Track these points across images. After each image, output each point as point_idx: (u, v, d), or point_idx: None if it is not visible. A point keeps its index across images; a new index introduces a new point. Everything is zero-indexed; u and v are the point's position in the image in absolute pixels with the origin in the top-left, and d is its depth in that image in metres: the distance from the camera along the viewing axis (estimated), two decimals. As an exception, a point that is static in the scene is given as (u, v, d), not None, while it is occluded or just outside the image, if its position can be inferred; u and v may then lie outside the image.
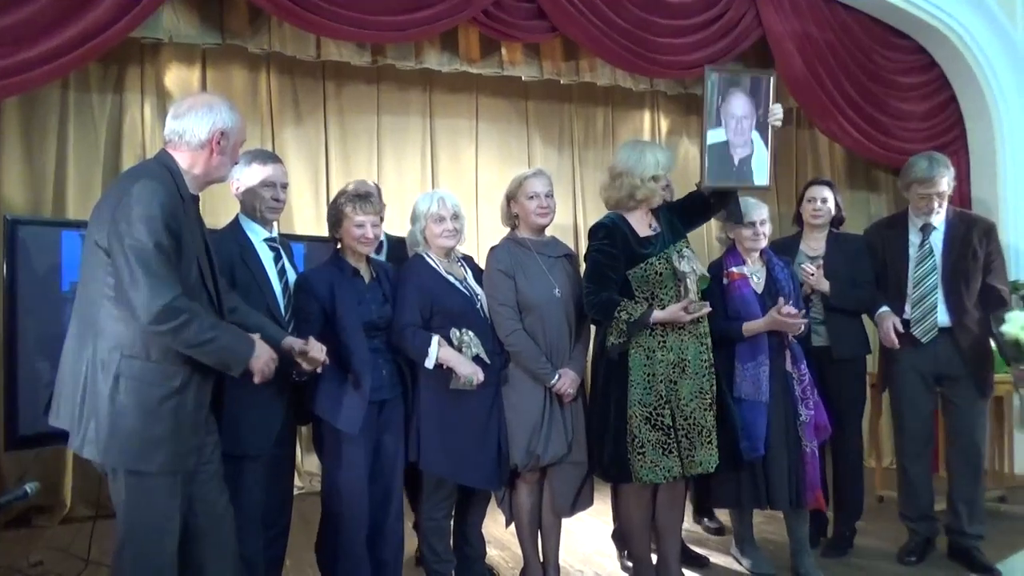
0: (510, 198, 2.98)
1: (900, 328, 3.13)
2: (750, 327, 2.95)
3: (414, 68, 4.40)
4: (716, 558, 3.38)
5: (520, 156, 5.14)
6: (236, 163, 2.19)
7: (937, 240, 3.18)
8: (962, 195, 5.04)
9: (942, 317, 3.12)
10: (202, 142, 2.04)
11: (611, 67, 4.69)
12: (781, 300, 2.93)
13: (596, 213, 4.68)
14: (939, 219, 3.19)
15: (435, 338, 2.72)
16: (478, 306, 2.84)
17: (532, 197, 2.93)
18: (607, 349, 2.76)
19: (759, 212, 3.10)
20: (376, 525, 2.69)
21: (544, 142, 5.24)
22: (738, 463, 2.83)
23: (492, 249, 2.98)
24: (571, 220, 5.25)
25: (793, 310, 2.90)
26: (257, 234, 2.65)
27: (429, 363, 2.69)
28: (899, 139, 5.03)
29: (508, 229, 3.02)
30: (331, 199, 3.10)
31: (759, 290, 3.05)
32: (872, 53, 4.97)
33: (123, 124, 4.29)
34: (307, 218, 4.60)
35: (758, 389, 2.91)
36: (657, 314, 2.70)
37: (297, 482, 4.07)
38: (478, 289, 2.87)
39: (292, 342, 2.37)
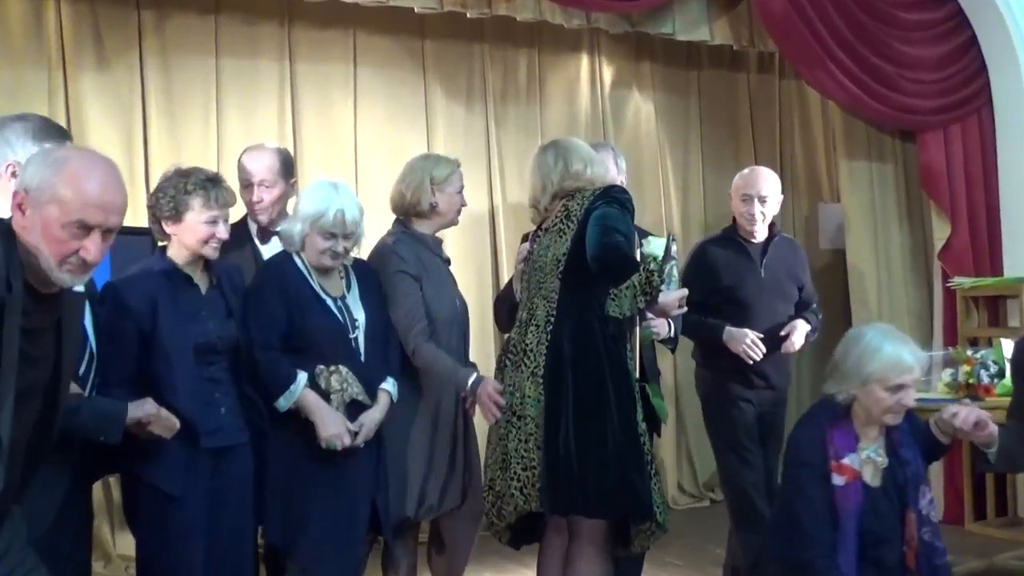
0: (436, 183, 3.16)
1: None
2: None
3: (266, -10, 4.26)
4: None
5: (415, 115, 5.12)
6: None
7: None
8: (986, 164, 5.21)
9: None
10: None
11: (534, -4, 4.77)
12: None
13: (519, 193, 4.85)
14: None
15: (302, 376, 2.79)
16: (352, 336, 2.91)
17: (462, 191, 3.19)
18: (605, 322, 2.89)
19: (909, 367, 2.73)
20: None
21: (448, 95, 5.23)
22: None
23: (388, 245, 3.11)
24: (486, 204, 5.25)
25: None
26: None
27: (283, 405, 2.78)
28: (906, 93, 5.17)
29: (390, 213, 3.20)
30: (155, 178, 3.09)
31: (874, 482, 2.76)
32: (867, -21, 5.10)
33: None
34: None
35: None
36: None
37: (103, 572, 4.08)
38: (360, 315, 2.95)
39: (138, 412, 2.45)
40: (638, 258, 2.88)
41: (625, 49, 5.58)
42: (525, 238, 3.22)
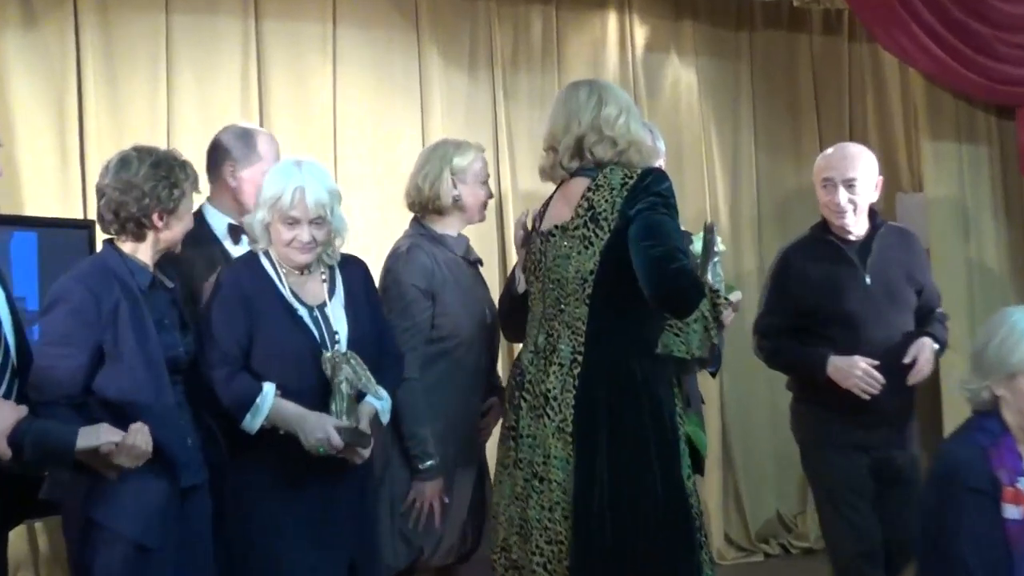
0: (456, 174, 3.18)
1: None
2: None
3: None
4: None
5: (406, 85, 4.91)
6: None
7: None
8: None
9: None
10: None
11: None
12: None
13: (532, 179, 4.52)
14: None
15: (269, 387, 2.71)
16: (326, 356, 2.77)
17: (487, 181, 3.24)
18: (659, 363, 2.76)
19: None
20: None
21: (446, 61, 5.00)
22: None
23: (399, 252, 3.14)
24: (493, 187, 4.94)
25: None
26: None
27: (251, 424, 2.69)
28: (1003, 60, 4.96)
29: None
30: (92, 158, 3.29)
31: None
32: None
33: None
34: (44, 187, 4.28)
35: None
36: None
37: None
38: (342, 327, 2.84)
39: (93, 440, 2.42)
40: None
41: (661, 5, 5.37)
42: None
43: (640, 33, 5.33)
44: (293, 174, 2.80)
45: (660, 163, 3.19)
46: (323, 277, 2.88)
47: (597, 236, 2.69)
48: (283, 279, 2.82)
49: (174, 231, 2.71)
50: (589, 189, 2.72)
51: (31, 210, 4.10)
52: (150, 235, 2.67)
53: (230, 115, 4.46)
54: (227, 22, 4.57)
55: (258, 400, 2.69)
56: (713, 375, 3.47)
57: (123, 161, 2.68)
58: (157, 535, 2.56)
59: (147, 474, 2.52)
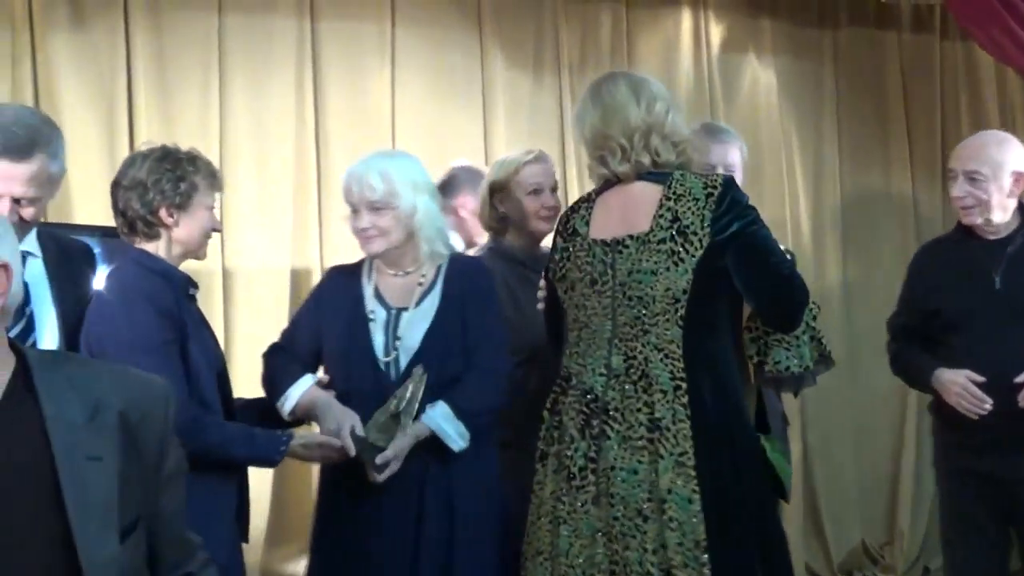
0: (496, 190, 3.17)
1: None
2: None
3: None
4: None
5: (467, 88, 4.85)
6: None
7: None
8: None
9: None
10: None
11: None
12: None
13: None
14: None
15: (309, 376, 2.76)
16: (386, 359, 2.76)
17: (535, 192, 3.14)
18: (771, 380, 2.81)
19: None
20: None
21: (509, 63, 4.93)
22: None
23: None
24: (560, 196, 4.94)
25: None
26: None
27: (282, 406, 2.74)
28: None
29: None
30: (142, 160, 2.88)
31: None
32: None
33: None
34: (93, 193, 4.15)
35: None
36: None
37: None
38: (413, 332, 2.77)
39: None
40: None
41: (738, 1, 5.30)
42: (563, 219, 2.87)
43: (716, 31, 5.25)
44: (357, 164, 2.82)
45: (738, 174, 3.22)
46: (421, 280, 2.81)
47: (687, 252, 2.59)
48: (371, 278, 2.82)
49: (188, 229, 2.64)
50: (667, 197, 2.61)
51: (80, 217, 4.09)
52: (163, 235, 2.61)
53: (284, 119, 4.52)
54: (282, 23, 4.54)
55: (292, 387, 2.73)
56: (795, 394, 3.34)
57: (131, 158, 2.67)
58: (221, 551, 2.49)
59: (206, 487, 2.48)
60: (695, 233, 2.58)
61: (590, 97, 2.77)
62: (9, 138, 2.41)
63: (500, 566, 2.74)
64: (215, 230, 2.72)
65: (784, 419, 3.22)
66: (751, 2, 5.28)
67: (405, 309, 2.80)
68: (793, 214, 5.30)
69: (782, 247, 2.81)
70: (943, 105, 5.55)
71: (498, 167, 3.25)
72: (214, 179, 2.68)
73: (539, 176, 3.17)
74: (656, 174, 2.64)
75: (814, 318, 2.77)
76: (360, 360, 2.75)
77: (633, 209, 2.66)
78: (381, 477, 2.61)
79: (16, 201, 2.42)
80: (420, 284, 2.82)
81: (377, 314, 2.80)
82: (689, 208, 2.60)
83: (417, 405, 2.65)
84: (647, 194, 2.63)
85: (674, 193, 2.62)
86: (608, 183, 2.72)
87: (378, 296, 2.82)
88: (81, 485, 1.57)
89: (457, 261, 2.87)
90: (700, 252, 2.57)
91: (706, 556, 2.51)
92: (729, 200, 2.62)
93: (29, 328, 2.48)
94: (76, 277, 2.61)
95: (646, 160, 2.66)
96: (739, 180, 3.03)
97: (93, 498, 1.59)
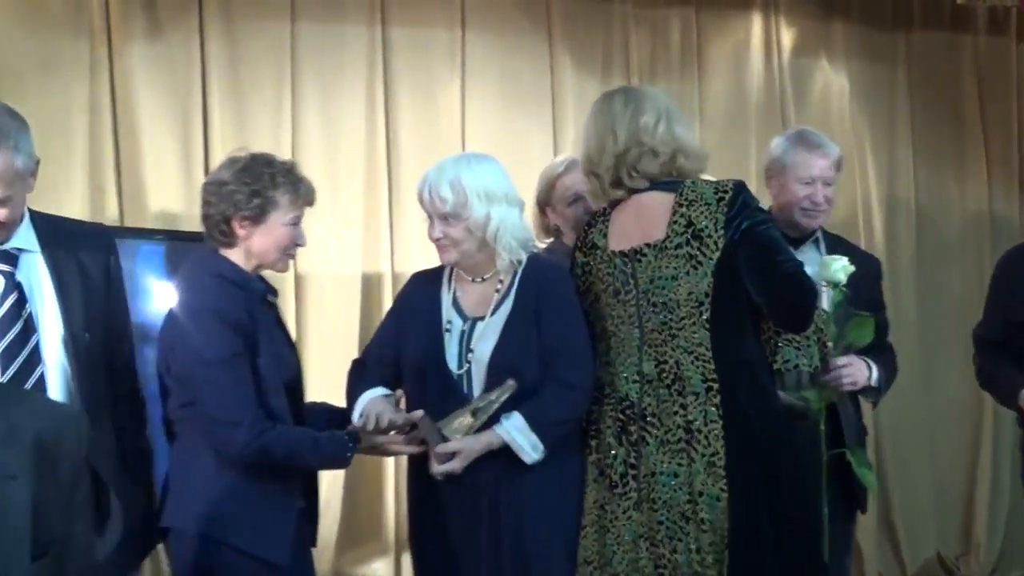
0: (542, 205, 3.22)
1: None
2: None
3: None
4: None
5: (537, 92, 4.84)
6: None
7: None
8: None
9: None
10: None
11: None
12: None
13: None
14: None
15: (378, 389, 2.73)
16: (459, 372, 2.72)
17: (575, 201, 3.12)
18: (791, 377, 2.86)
19: None
20: None
21: (578, 68, 4.91)
22: None
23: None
24: None
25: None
26: None
27: (353, 417, 2.72)
28: None
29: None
30: (217, 166, 2.94)
31: None
32: None
33: None
34: (168, 198, 4.29)
35: None
36: None
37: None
38: (485, 344, 2.71)
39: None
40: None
41: (810, 4, 5.24)
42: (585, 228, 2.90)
43: (787, 36, 5.22)
44: (432, 169, 2.78)
45: (823, 168, 3.13)
46: (498, 286, 2.75)
47: (704, 255, 2.64)
48: (451, 285, 2.78)
49: (262, 242, 2.60)
50: (679, 204, 2.65)
51: (155, 222, 4.16)
52: (239, 244, 2.59)
53: (355, 125, 4.55)
54: (353, 30, 4.57)
55: (360, 397, 2.72)
56: (875, 404, 3.35)
57: (221, 164, 2.66)
58: (283, 550, 2.52)
59: (274, 493, 2.54)
60: (710, 236, 2.61)
61: (590, 115, 2.83)
62: None
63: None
64: (297, 245, 2.67)
65: (863, 430, 3.16)
66: (823, 5, 5.23)
67: (481, 319, 2.77)
68: (866, 219, 5.23)
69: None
70: (1019, 108, 5.47)
71: (539, 182, 3.26)
72: (298, 195, 2.62)
73: (575, 184, 3.14)
74: (667, 183, 2.68)
75: (824, 322, 2.81)
76: (434, 373, 2.72)
77: (647, 218, 2.70)
78: (440, 468, 2.58)
79: None
80: (497, 291, 2.79)
81: (453, 324, 2.77)
82: (702, 212, 2.64)
83: (493, 411, 2.61)
84: (659, 203, 2.67)
85: (686, 200, 2.65)
86: (619, 197, 2.76)
87: (456, 305, 2.79)
88: None
89: (534, 264, 2.80)
90: (717, 254, 2.61)
91: (727, 553, 2.54)
92: (740, 202, 2.65)
93: (29, 330, 2.37)
94: (83, 263, 2.47)
95: (635, 175, 2.70)
96: (832, 192, 3.13)
97: (7, 517, 1.57)
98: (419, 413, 2.61)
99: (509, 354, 2.69)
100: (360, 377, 2.80)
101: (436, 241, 2.74)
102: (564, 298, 2.75)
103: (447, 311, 2.78)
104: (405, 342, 2.80)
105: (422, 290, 2.86)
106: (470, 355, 2.72)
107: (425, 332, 2.76)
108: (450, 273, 2.81)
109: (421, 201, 2.75)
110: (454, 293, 2.79)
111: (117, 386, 2.55)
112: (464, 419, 2.59)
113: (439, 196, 2.69)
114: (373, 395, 2.72)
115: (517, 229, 2.74)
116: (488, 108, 4.73)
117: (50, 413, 1.73)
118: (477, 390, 2.69)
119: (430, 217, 2.74)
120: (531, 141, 4.60)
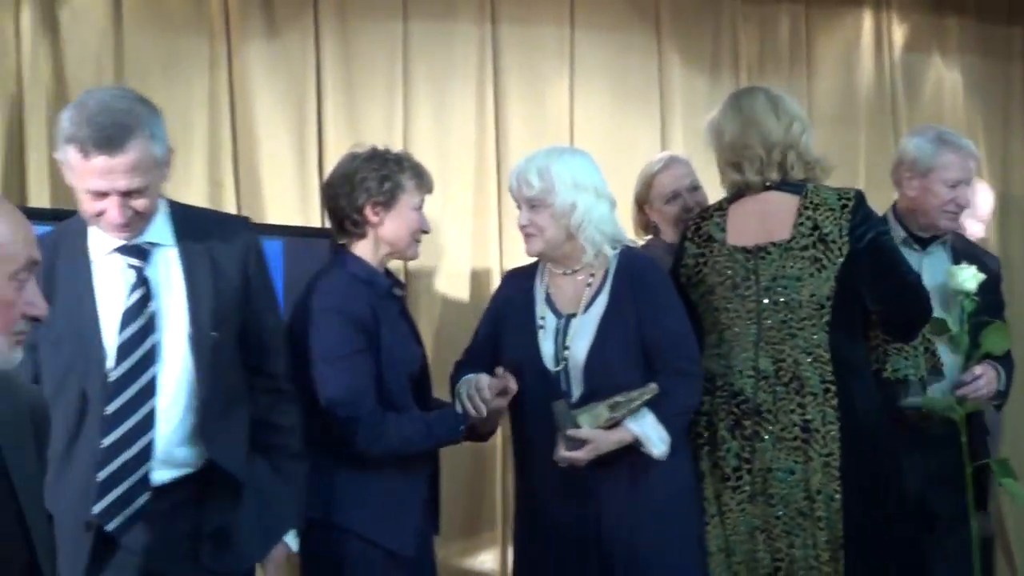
0: (641, 203, 3.28)
1: None
2: None
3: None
4: None
5: (645, 88, 4.81)
6: None
7: None
8: None
9: None
10: None
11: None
12: None
13: None
14: None
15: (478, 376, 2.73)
16: (555, 369, 2.72)
17: (673, 198, 3.22)
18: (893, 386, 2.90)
19: None
20: None
21: (686, 63, 4.89)
22: None
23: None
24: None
25: None
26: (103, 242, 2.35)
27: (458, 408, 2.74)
28: None
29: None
30: (329, 164, 3.10)
31: None
32: None
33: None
34: (284, 194, 4.35)
35: None
36: None
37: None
38: (580, 342, 2.69)
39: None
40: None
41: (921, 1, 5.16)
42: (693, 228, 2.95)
43: (899, 31, 5.13)
44: (523, 160, 2.79)
45: (970, 171, 3.13)
46: (590, 280, 2.73)
47: (829, 259, 2.67)
48: (543, 280, 2.78)
49: (394, 227, 2.64)
50: (804, 207, 2.70)
51: (272, 218, 4.21)
52: (370, 233, 2.63)
53: (465, 122, 4.57)
54: (464, 28, 4.57)
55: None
56: (999, 408, 3.28)
57: (341, 160, 2.72)
58: (413, 544, 2.58)
59: (399, 484, 2.58)
60: (834, 241, 2.66)
61: (729, 107, 2.85)
62: (98, 130, 2.12)
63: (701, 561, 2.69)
64: (424, 231, 2.69)
65: (984, 429, 3.13)
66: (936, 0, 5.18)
67: (574, 315, 2.74)
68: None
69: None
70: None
71: (637, 181, 3.30)
72: (422, 180, 2.67)
73: (672, 182, 3.20)
74: (790, 185, 2.73)
75: (930, 331, 2.87)
76: (531, 371, 2.70)
77: (772, 218, 2.73)
78: (566, 454, 2.55)
79: (126, 195, 2.17)
80: (589, 286, 2.76)
81: (547, 321, 2.75)
82: (827, 218, 2.69)
83: (631, 409, 2.58)
84: (784, 204, 2.72)
85: (811, 203, 2.71)
86: (739, 192, 2.78)
87: (549, 301, 2.77)
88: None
89: (627, 257, 2.76)
90: (841, 260, 2.66)
91: (841, 552, 2.59)
92: (863, 211, 2.72)
93: (149, 328, 2.29)
94: (216, 259, 2.36)
95: (775, 174, 2.73)
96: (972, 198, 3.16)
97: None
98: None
99: (605, 353, 2.67)
100: (460, 380, 2.80)
101: (522, 229, 2.74)
102: (663, 290, 2.73)
103: (540, 307, 2.77)
104: (502, 341, 2.81)
105: (515, 287, 2.86)
106: (566, 352, 2.71)
107: (520, 330, 2.77)
108: (543, 268, 2.80)
109: (511, 189, 2.77)
110: (547, 289, 2.79)
111: (262, 384, 2.44)
112: (600, 411, 2.56)
113: (526, 182, 2.70)
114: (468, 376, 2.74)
115: (603, 222, 2.69)
116: (596, 105, 4.71)
117: (31, 395, 1.84)
118: (576, 388, 2.67)
119: (519, 206, 2.75)
120: (639, 137, 4.59)
